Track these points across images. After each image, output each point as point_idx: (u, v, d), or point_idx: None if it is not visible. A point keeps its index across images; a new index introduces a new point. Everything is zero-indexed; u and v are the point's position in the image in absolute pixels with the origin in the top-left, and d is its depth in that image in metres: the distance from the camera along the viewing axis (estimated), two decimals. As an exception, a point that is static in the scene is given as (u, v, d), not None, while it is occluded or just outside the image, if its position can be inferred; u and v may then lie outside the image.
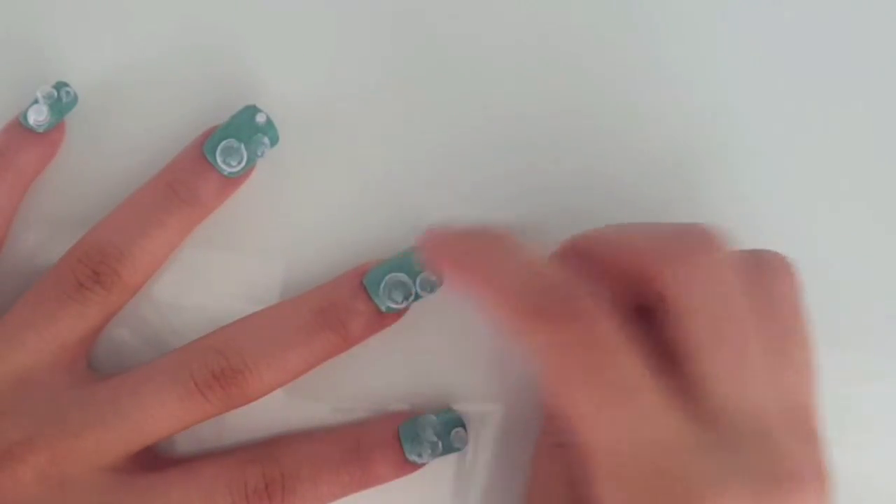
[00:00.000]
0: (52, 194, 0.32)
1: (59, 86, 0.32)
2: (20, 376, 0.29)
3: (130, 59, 0.33)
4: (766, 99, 0.34)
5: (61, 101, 0.31)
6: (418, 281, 0.31)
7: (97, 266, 0.30)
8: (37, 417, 0.29)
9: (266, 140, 0.31)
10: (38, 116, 0.31)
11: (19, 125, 0.31)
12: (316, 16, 0.33)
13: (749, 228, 0.30)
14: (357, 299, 0.31)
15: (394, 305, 0.31)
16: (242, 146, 0.31)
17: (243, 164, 0.31)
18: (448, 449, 0.31)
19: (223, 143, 0.31)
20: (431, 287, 0.31)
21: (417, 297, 0.31)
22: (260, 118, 0.31)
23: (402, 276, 0.31)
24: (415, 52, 0.33)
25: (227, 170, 0.31)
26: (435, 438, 0.31)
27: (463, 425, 0.31)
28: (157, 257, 0.31)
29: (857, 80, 0.34)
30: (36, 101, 0.31)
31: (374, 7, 0.33)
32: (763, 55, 0.34)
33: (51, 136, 0.32)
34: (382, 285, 0.31)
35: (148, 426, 0.29)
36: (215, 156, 0.31)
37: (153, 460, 0.30)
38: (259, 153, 0.31)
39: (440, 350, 0.32)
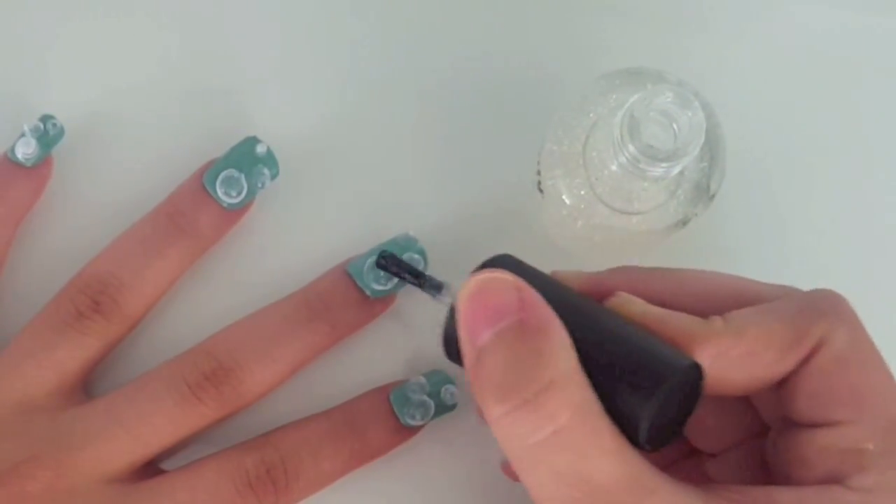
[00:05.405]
0: (47, 228, 0.32)
1: (46, 119, 0.31)
2: (21, 402, 0.29)
3: (120, 93, 0.33)
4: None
5: (48, 133, 0.31)
6: None
7: (97, 296, 0.30)
8: (39, 437, 0.29)
9: (266, 171, 0.31)
10: (26, 149, 0.31)
11: (7, 160, 0.31)
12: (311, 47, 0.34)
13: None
14: (341, 285, 0.31)
15: (379, 287, 0.31)
16: (242, 177, 0.31)
17: (243, 195, 0.31)
18: (441, 408, 0.31)
19: (223, 174, 0.31)
20: (415, 267, 0.31)
21: (403, 280, 0.31)
22: (260, 149, 0.31)
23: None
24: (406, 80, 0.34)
25: (227, 201, 0.31)
26: (426, 398, 0.31)
27: (452, 382, 0.31)
28: (157, 288, 0.31)
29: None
30: (23, 135, 0.31)
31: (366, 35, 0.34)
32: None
33: (39, 171, 0.31)
34: (366, 268, 0.31)
35: (147, 434, 0.29)
36: (215, 187, 0.31)
37: (158, 474, 0.30)
38: (259, 185, 0.31)
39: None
